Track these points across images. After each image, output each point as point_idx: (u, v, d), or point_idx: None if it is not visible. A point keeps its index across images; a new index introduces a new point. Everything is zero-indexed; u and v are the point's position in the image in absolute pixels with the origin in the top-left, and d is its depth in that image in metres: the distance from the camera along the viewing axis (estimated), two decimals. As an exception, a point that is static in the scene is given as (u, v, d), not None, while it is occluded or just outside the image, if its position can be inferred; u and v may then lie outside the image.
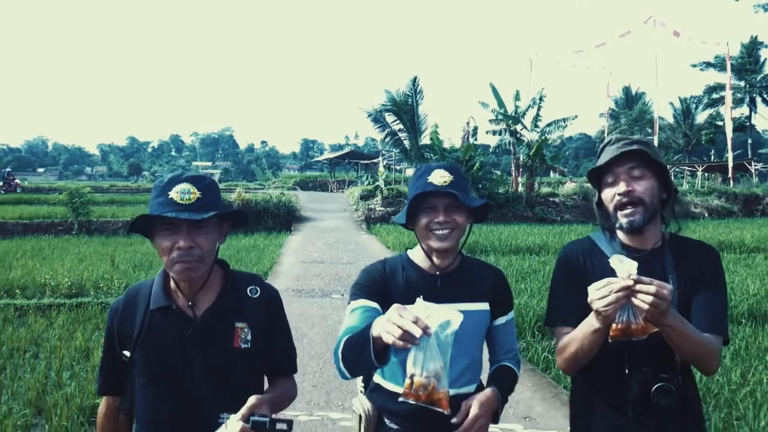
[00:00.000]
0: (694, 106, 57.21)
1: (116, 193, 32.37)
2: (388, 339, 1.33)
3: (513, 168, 24.97)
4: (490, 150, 25.20)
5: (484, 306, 1.90)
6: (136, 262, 11.54)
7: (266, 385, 1.84)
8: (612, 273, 1.51)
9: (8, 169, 46.87)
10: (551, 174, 44.63)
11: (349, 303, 1.87)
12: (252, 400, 1.47)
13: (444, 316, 1.36)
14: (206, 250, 1.63)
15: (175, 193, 1.55)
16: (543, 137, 22.69)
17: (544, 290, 7.97)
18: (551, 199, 23.36)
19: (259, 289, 1.79)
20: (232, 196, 20.90)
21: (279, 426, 1.41)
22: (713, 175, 39.03)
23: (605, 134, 39.11)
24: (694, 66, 49.66)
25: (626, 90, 70.42)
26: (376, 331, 1.43)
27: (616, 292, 1.47)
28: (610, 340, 1.57)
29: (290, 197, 22.76)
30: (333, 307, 8.09)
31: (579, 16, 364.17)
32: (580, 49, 29.85)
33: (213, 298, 1.71)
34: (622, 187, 1.73)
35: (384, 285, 1.87)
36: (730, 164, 32.15)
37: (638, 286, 1.46)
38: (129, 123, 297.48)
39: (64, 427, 3.98)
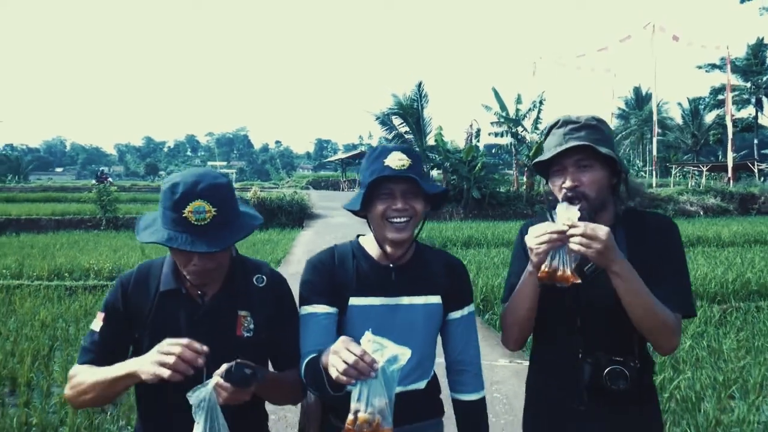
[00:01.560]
0: (702, 106, 57.87)
1: (137, 192, 33.88)
2: (333, 374, 1.35)
3: (514, 168, 26.08)
4: (493, 151, 26.34)
5: (436, 299, 1.79)
6: (162, 252, 12.86)
7: None
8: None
9: (102, 169, 48.56)
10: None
11: (300, 305, 1.77)
12: (238, 360, 1.45)
13: (392, 351, 1.35)
14: (222, 262, 1.63)
15: (189, 213, 1.47)
16: (542, 139, 23.84)
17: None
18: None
19: (265, 278, 1.75)
20: (248, 194, 22.24)
21: (247, 371, 1.41)
22: (720, 175, 39.74)
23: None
24: (700, 68, 50.30)
25: (636, 90, 71.00)
26: (325, 361, 1.44)
27: (550, 233, 1.51)
28: (537, 283, 1.62)
29: (303, 196, 24.05)
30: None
31: (581, 22, 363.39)
32: (583, 53, 30.73)
33: (220, 284, 1.68)
34: (568, 182, 1.70)
35: (332, 276, 1.76)
36: (730, 164, 33.01)
37: (570, 230, 1.50)
38: (145, 123, 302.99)
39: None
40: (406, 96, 23.71)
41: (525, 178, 24.41)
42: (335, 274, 1.76)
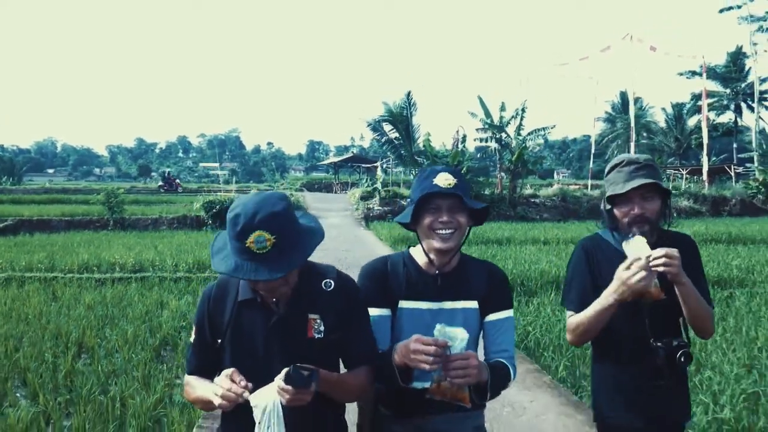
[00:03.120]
0: (684, 111, 59.52)
1: (137, 194, 35.07)
2: (422, 367, 1.63)
3: (498, 172, 27.52)
4: (479, 155, 27.78)
5: (473, 304, 1.96)
6: (174, 249, 14.14)
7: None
8: (620, 259, 2.01)
9: (168, 170, 48.84)
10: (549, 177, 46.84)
11: None
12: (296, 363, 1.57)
13: (456, 334, 1.68)
14: (289, 279, 1.73)
15: (251, 243, 1.58)
16: (524, 144, 25.28)
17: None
18: (532, 200, 25.93)
19: (333, 282, 1.84)
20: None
21: (304, 372, 1.54)
22: (699, 178, 41.23)
23: (592, 138, 41.55)
24: (681, 74, 52.00)
25: (623, 95, 72.53)
26: (398, 359, 1.72)
27: (640, 267, 1.89)
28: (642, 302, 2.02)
29: (298, 197, 25.39)
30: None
31: (564, 32, 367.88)
32: (566, 62, 32.26)
33: (291, 290, 1.77)
34: (636, 209, 2.11)
35: (385, 282, 1.96)
36: (705, 168, 34.62)
37: (654, 255, 1.90)
38: (137, 124, 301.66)
39: (169, 335, 6.62)
40: (396, 104, 25.14)
41: (508, 182, 25.81)
42: (388, 279, 1.97)
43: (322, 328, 1.80)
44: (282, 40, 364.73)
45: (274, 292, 1.74)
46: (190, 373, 1.88)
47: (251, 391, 1.59)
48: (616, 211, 2.19)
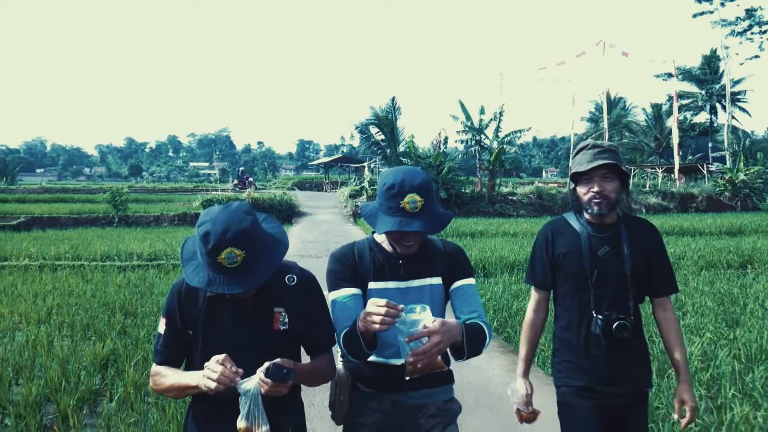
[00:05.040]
0: (663, 112, 61.43)
1: (134, 193, 36.51)
2: (373, 327, 1.74)
3: (478, 171, 29.29)
4: (459, 156, 29.57)
5: (437, 280, 2.12)
6: (180, 241, 15.69)
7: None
8: (575, 236, 2.42)
9: (242, 168, 48.69)
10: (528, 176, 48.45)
11: (329, 290, 2.06)
12: (278, 360, 1.74)
13: (418, 321, 1.76)
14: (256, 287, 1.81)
15: (222, 259, 1.68)
16: (501, 146, 27.08)
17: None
18: (510, 198, 27.71)
19: (296, 277, 1.98)
20: (243, 195, 25.10)
21: (284, 371, 1.71)
22: (675, 176, 42.94)
23: (571, 139, 43.41)
24: (658, 76, 54.02)
25: (607, 95, 74.44)
26: (361, 326, 1.82)
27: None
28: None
29: (291, 196, 26.95)
30: (323, 263, 12.41)
31: (541, 38, 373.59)
32: (544, 67, 33.98)
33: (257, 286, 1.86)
34: (596, 187, 2.31)
35: (354, 266, 2.09)
36: (677, 167, 36.48)
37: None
38: (127, 124, 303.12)
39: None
40: (382, 108, 26.85)
41: (487, 180, 27.58)
42: (356, 264, 2.09)
43: (287, 320, 1.92)
44: (272, 39, 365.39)
45: (247, 295, 1.88)
46: (159, 363, 1.96)
47: (242, 377, 1.72)
48: (578, 190, 2.40)
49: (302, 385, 2.06)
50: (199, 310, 1.92)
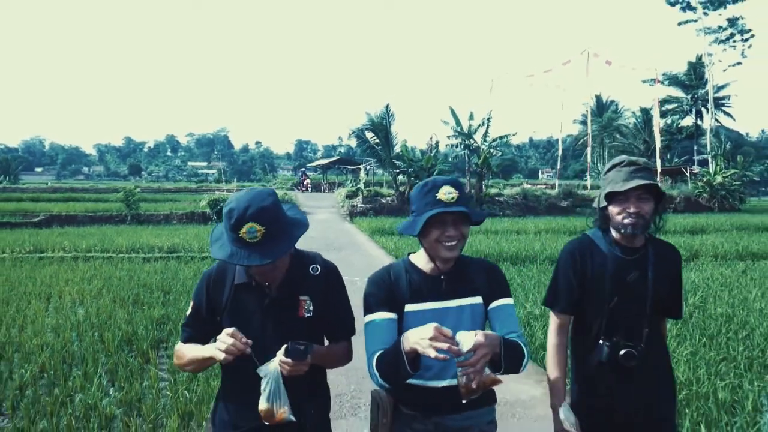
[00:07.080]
0: (652, 116, 62.98)
1: (141, 193, 38.14)
2: (430, 353, 1.70)
3: (467, 173, 31.08)
4: (450, 159, 31.35)
5: (478, 300, 2.09)
6: (192, 237, 17.37)
7: None
8: (607, 260, 2.28)
9: (303, 170, 49.53)
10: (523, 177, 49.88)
11: (365, 314, 2.06)
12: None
13: (464, 340, 1.72)
14: (279, 265, 1.95)
15: (243, 233, 1.78)
16: (489, 149, 28.85)
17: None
18: (497, 198, 29.45)
19: (319, 267, 2.08)
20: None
21: (300, 347, 1.78)
22: (664, 179, 44.45)
23: (559, 143, 45.15)
24: (645, 82, 55.80)
25: (597, 98, 76.30)
26: (408, 345, 1.77)
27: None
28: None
29: (291, 196, 28.62)
30: (325, 256, 14.12)
31: (530, 46, 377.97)
32: (532, 74, 35.80)
33: (283, 275, 2.00)
34: (632, 208, 2.19)
35: (391, 290, 2.06)
36: (659, 169, 38.11)
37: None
38: (125, 123, 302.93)
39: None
40: (377, 114, 28.57)
41: (475, 183, 29.32)
42: (392, 287, 2.08)
43: (311, 308, 2.02)
44: (270, 39, 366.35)
45: (266, 276, 1.97)
46: (184, 341, 2.08)
47: (251, 348, 1.82)
48: (611, 209, 2.26)
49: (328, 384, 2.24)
50: (226, 298, 2.02)
